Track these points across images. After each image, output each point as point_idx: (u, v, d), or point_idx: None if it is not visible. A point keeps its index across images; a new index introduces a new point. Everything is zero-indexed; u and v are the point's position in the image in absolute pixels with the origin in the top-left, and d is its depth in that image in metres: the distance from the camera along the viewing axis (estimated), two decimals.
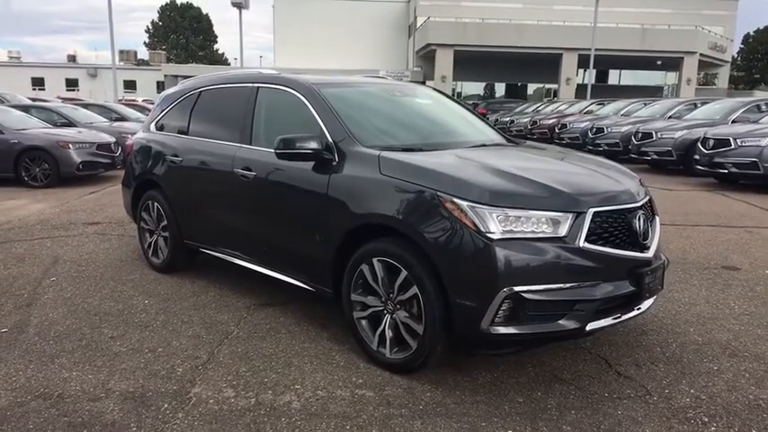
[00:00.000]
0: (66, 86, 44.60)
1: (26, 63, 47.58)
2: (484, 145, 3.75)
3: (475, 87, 44.44)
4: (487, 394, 2.80)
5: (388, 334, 2.99)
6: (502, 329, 2.63)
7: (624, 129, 13.74)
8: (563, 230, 2.67)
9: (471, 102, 37.62)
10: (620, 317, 2.85)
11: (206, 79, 4.59)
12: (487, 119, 23.97)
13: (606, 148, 14.20)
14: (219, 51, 70.88)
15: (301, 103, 3.58)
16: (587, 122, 15.74)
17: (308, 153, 3.26)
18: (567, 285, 2.65)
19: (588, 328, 2.72)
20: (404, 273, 2.85)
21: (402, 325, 2.93)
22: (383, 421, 2.56)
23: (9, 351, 3.28)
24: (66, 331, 3.58)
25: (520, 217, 2.64)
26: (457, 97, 43.25)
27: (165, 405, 2.71)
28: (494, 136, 4.11)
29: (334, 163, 3.25)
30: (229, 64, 64.44)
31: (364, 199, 3.05)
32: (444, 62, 34.80)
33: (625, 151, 13.07)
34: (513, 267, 2.59)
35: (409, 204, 2.83)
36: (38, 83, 45.01)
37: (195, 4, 66.63)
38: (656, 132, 11.88)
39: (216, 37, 69.82)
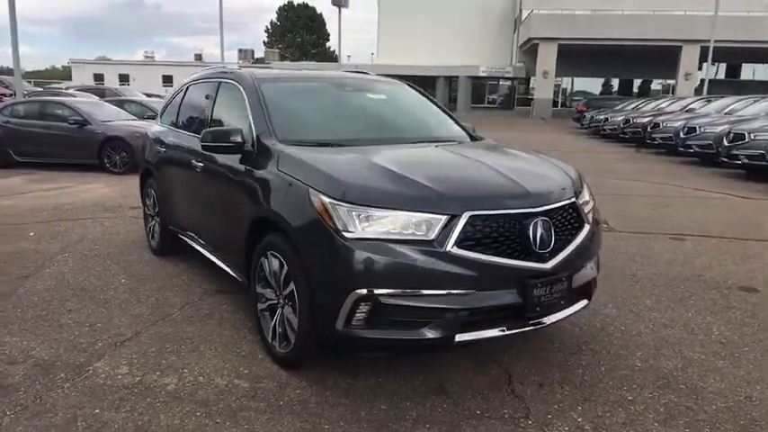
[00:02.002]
0: None
1: (158, 62, 52.36)
2: (422, 142, 3.62)
3: (588, 84, 42.15)
4: (355, 398, 2.73)
5: (278, 328, 3.01)
6: (359, 332, 2.56)
7: (719, 129, 12.36)
8: (432, 233, 2.53)
9: (577, 99, 35.80)
10: (505, 330, 2.65)
11: (197, 75, 4.84)
12: (584, 115, 22.53)
13: (698, 149, 12.94)
14: (331, 49, 73.44)
15: (242, 97, 3.68)
16: (682, 121, 14.40)
17: (228, 146, 3.35)
18: (432, 292, 2.51)
19: (458, 339, 2.56)
20: (286, 267, 2.86)
21: (286, 320, 2.93)
22: (234, 412, 2.60)
23: None
24: (39, 302, 3.97)
25: (385, 217, 2.54)
26: (562, 95, 41.44)
27: (62, 375, 2.94)
28: (450, 133, 3.96)
29: (254, 157, 3.31)
30: (339, 61, 66.63)
31: (263, 193, 3.09)
32: (547, 57, 33.36)
33: (719, 154, 11.80)
34: (370, 269, 2.50)
35: (288, 199, 2.84)
36: (167, 80, 49.37)
37: (311, 5, 69.59)
38: (749, 134, 10.59)
39: (328, 35, 72.43)
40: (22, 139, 10.86)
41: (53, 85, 32.50)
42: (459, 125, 4.16)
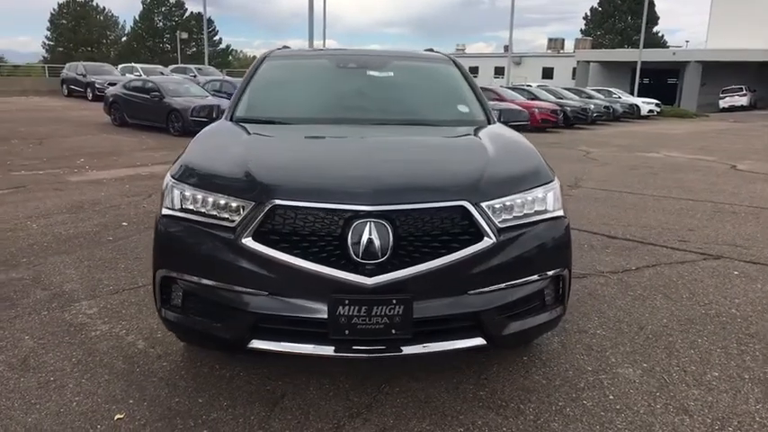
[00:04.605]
0: (495, 74, 49.87)
1: (466, 54, 55.20)
2: (389, 124, 3.14)
3: None
4: (190, 384, 2.61)
5: None
6: (176, 318, 2.43)
7: None
8: (236, 220, 2.23)
9: None
10: (332, 351, 2.18)
11: None
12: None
13: None
14: (659, 34, 65.53)
15: None
16: None
17: (204, 121, 3.49)
18: (222, 285, 2.23)
19: (253, 345, 2.23)
20: None
21: None
22: (94, 367, 2.76)
23: (69, 253, 4.68)
24: (130, 249, 4.76)
25: (202, 198, 2.34)
26: None
27: (54, 305, 3.54)
28: (456, 116, 3.38)
29: None
30: (667, 47, 59.13)
31: None
32: None
33: None
34: (172, 249, 2.39)
35: None
36: (473, 71, 51.77)
37: None
38: None
39: (657, 18, 64.64)
40: None
41: None
42: (484, 110, 3.45)
